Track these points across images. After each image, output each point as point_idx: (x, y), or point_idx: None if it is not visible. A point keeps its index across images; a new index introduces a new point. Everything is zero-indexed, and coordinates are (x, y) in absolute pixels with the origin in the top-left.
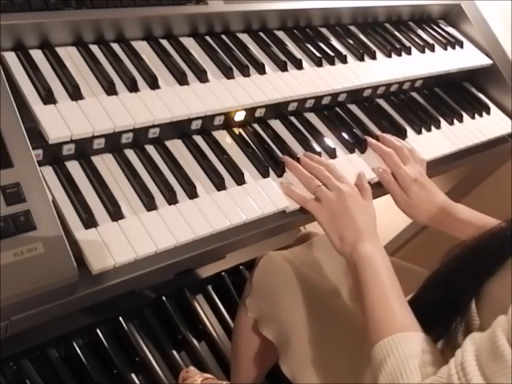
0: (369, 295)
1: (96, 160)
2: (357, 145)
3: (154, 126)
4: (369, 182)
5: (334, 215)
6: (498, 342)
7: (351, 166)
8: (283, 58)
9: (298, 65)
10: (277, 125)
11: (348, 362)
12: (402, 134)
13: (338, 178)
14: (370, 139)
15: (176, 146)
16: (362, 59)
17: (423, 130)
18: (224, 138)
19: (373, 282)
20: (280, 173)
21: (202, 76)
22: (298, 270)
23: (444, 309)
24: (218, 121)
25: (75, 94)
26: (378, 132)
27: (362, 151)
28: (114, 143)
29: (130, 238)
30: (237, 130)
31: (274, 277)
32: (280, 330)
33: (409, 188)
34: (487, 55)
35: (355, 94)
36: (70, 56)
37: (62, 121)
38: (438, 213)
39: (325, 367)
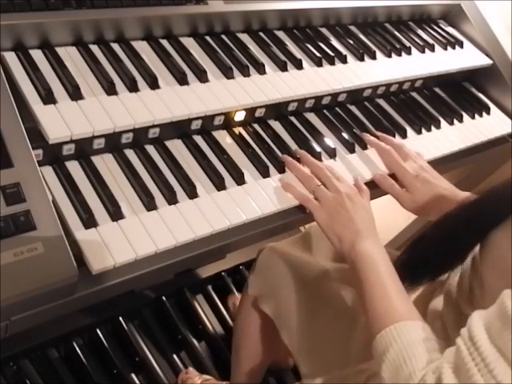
0: (369, 291)
1: (96, 160)
2: (357, 145)
3: (154, 126)
4: (367, 183)
5: (333, 216)
6: (510, 311)
7: (351, 166)
8: (283, 57)
9: (298, 65)
10: (277, 125)
11: (340, 338)
12: (402, 134)
13: (337, 178)
14: (368, 136)
15: (176, 146)
16: (362, 59)
17: (423, 130)
18: (224, 138)
19: (372, 278)
20: (280, 173)
21: (202, 76)
22: (301, 257)
23: (448, 251)
24: (218, 121)
25: (75, 94)
26: (378, 132)
27: (362, 151)
28: (114, 143)
29: (130, 238)
30: (237, 130)
31: (278, 263)
32: (279, 305)
33: (411, 184)
34: (487, 55)
35: (355, 94)
36: (70, 56)
37: (62, 121)
38: (446, 205)
39: (318, 346)
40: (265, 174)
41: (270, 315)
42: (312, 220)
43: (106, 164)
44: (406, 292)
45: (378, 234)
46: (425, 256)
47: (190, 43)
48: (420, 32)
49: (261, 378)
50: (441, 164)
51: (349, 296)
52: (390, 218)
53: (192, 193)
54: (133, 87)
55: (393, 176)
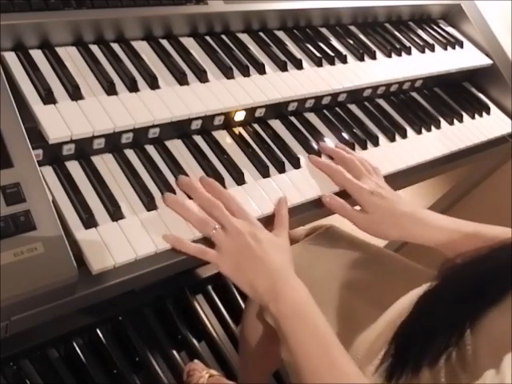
0: (305, 349)
1: (96, 160)
2: (357, 145)
3: (154, 126)
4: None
5: (238, 262)
6: None
7: None
8: (283, 57)
9: (298, 65)
10: (277, 125)
11: None
12: (402, 134)
13: (235, 212)
14: (312, 157)
15: (176, 146)
16: (362, 59)
17: (423, 130)
18: (224, 138)
19: (307, 333)
20: (280, 172)
21: (202, 76)
22: (307, 265)
23: (438, 334)
24: (218, 121)
25: (75, 94)
26: (378, 132)
27: (362, 151)
28: (114, 143)
29: (130, 238)
30: (237, 130)
31: None
32: None
33: (367, 202)
34: (487, 55)
35: (355, 94)
36: (70, 56)
37: (62, 121)
38: (405, 223)
39: None
40: (265, 174)
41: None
42: (315, 219)
43: (106, 164)
44: (341, 346)
45: (293, 270)
46: (421, 335)
47: (190, 43)
48: (420, 32)
49: (268, 380)
50: (441, 164)
51: (352, 316)
52: None
53: None
54: (133, 87)
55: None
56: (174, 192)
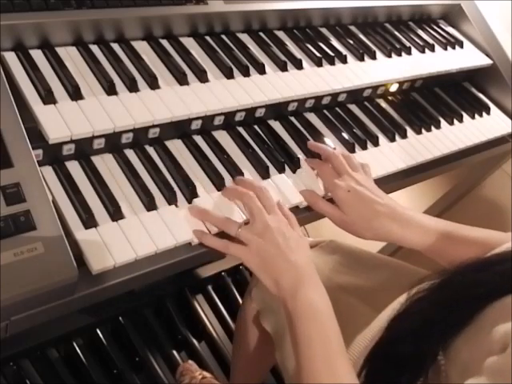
0: (309, 349)
1: (96, 160)
2: (357, 145)
3: (154, 126)
4: None
5: (265, 258)
6: None
7: None
8: (283, 58)
9: (298, 65)
10: (277, 125)
11: None
12: (402, 134)
13: (266, 207)
14: (305, 159)
15: (176, 146)
16: (362, 59)
17: (423, 130)
18: (224, 138)
19: (315, 335)
20: (280, 173)
21: (201, 76)
22: None
23: (408, 361)
24: (218, 121)
25: (75, 93)
26: (378, 132)
27: (363, 151)
28: (113, 143)
29: (130, 238)
30: (237, 130)
31: None
32: (278, 322)
33: (340, 201)
34: (487, 55)
35: (355, 94)
36: (70, 56)
37: (62, 121)
38: (379, 225)
39: None
40: (265, 174)
41: (270, 332)
42: (314, 219)
43: (106, 164)
44: (348, 356)
45: (316, 272)
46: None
47: (190, 43)
48: (420, 32)
49: (260, 381)
50: (441, 164)
51: (350, 318)
52: None
53: (192, 193)
54: (133, 87)
55: None
56: (173, 192)
